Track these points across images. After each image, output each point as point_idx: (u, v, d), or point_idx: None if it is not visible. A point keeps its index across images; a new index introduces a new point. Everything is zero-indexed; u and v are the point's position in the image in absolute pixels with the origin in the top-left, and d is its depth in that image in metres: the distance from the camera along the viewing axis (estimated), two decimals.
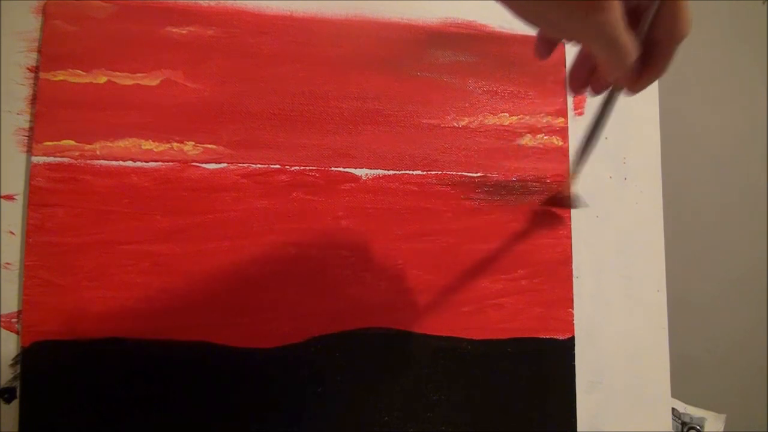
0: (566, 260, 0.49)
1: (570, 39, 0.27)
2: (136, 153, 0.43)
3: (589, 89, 0.33)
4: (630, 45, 0.26)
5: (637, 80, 0.29)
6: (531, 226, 0.48)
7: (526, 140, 0.49)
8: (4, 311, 0.40)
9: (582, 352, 0.48)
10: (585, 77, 0.33)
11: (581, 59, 0.33)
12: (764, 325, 0.55)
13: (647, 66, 0.28)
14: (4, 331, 0.40)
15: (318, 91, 0.46)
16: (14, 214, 0.41)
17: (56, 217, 0.41)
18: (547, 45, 0.31)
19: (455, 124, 0.48)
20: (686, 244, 0.54)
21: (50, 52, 0.42)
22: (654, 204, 0.52)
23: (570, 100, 0.51)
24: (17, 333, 0.40)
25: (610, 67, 0.27)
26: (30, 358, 0.40)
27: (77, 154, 0.42)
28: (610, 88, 0.33)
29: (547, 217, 0.48)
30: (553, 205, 0.48)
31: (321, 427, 0.43)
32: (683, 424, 0.52)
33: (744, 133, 0.57)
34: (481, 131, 0.48)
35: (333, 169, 0.46)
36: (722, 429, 0.52)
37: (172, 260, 0.42)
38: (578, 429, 0.47)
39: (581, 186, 0.50)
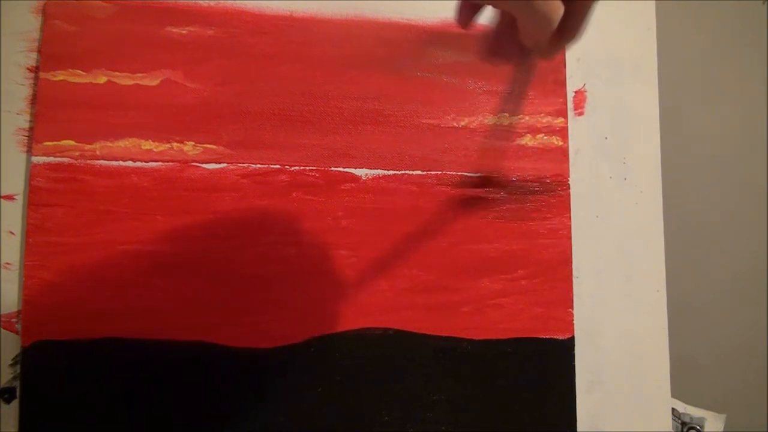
0: (566, 260, 0.49)
1: (493, 3, 0.26)
2: (136, 153, 0.43)
3: (503, 57, 0.33)
4: (555, 6, 0.25)
5: (552, 44, 0.29)
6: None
7: (526, 140, 0.49)
8: (4, 311, 0.40)
9: (582, 352, 0.48)
10: (499, 45, 0.32)
11: (497, 27, 0.32)
12: (764, 325, 0.55)
13: (563, 30, 0.28)
14: (4, 331, 0.40)
15: (318, 91, 0.46)
16: (14, 214, 0.41)
17: (56, 217, 0.41)
18: (469, 10, 0.30)
19: (455, 124, 0.48)
20: (686, 244, 0.54)
21: (50, 52, 0.42)
22: (654, 204, 0.52)
23: (570, 100, 0.51)
24: (17, 333, 0.40)
25: (532, 29, 0.27)
26: (30, 358, 0.40)
27: (77, 154, 0.42)
28: (526, 55, 0.32)
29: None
30: (487, 186, 0.47)
31: (321, 427, 0.43)
32: (683, 424, 0.52)
33: (744, 133, 0.57)
34: (481, 131, 0.48)
35: (333, 169, 0.46)
36: (722, 429, 0.52)
37: (172, 260, 0.42)
38: (578, 429, 0.47)
39: (581, 184, 0.50)
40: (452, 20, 0.31)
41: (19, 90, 0.42)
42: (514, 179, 0.49)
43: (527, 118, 0.49)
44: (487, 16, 0.31)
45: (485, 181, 0.48)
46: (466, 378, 0.46)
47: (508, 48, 0.32)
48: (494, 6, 0.27)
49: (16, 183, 0.41)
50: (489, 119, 0.48)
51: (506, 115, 0.49)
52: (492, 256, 0.47)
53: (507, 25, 0.31)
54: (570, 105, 0.51)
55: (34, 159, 0.41)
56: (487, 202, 0.48)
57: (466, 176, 0.48)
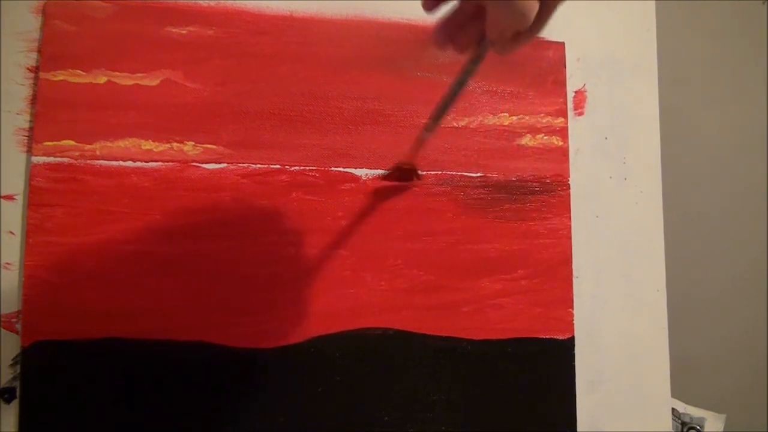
0: (566, 260, 0.49)
1: None
2: (136, 153, 0.43)
3: (455, 45, 0.32)
4: (532, 6, 0.25)
5: (513, 40, 0.29)
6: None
7: (526, 140, 0.49)
8: (4, 311, 0.40)
9: (582, 352, 0.48)
10: (453, 32, 0.32)
11: (455, 14, 0.31)
12: (764, 325, 0.55)
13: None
14: (4, 331, 0.40)
15: (318, 91, 0.46)
16: (14, 214, 0.41)
17: (56, 217, 0.41)
18: None
19: (455, 124, 0.48)
20: (686, 244, 0.54)
21: (50, 52, 0.42)
22: (654, 204, 0.52)
23: (570, 100, 0.51)
24: (17, 333, 0.40)
25: (503, 24, 0.26)
26: (30, 358, 0.40)
27: (77, 154, 0.42)
28: (479, 46, 0.32)
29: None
30: (394, 179, 0.46)
31: (321, 427, 0.43)
32: (683, 424, 0.52)
33: (744, 133, 0.57)
34: (481, 131, 0.48)
35: (333, 169, 0.46)
36: (722, 429, 0.52)
37: (172, 260, 0.42)
38: (578, 429, 0.47)
39: (581, 184, 0.50)
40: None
41: (19, 90, 0.42)
42: (514, 179, 0.49)
43: (527, 117, 0.49)
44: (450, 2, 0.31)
45: (486, 182, 0.48)
46: (466, 378, 0.46)
47: (462, 37, 0.32)
48: None
49: (16, 183, 0.41)
50: (489, 119, 0.48)
51: (506, 114, 0.49)
52: (492, 256, 0.47)
53: (468, 14, 0.31)
54: (570, 105, 0.51)
55: (34, 159, 0.41)
56: (487, 202, 0.48)
57: (466, 176, 0.48)
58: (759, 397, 0.55)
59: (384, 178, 0.46)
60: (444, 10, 0.31)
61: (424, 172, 0.47)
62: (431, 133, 0.40)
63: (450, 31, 0.32)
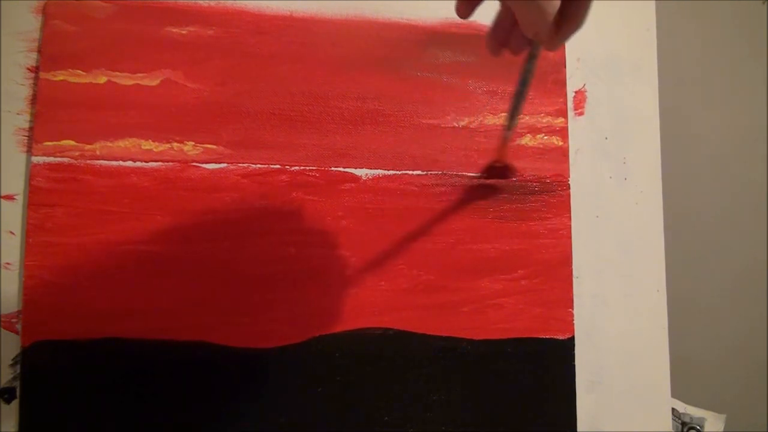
0: (566, 260, 0.49)
1: None
2: (136, 153, 0.43)
3: (509, 49, 0.33)
4: (550, 1, 0.26)
5: (554, 35, 0.29)
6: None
7: (526, 140, 0.49)
8: (4, 311, 0.40)
9: (582, 352, 0.48)
10: (504, 37, 0.33)
11: (500, 18, 0.32)
12: (764, 325, 0.55)
13: (564, 20, 0.28)
14: (4, 331, 0.40)
15: (318, 91, 0.46)
16: (14, 214, 0.41)
17: (56, 217, 0.41)
18: (469, 3, 0.31)
19: (455, 124, 0.48)
20: (686, 244, 0.54)
21: (50, 52, 0.42)
22: (654, 204, 0.52)
23: (570, 100, 0.51)
24: (17, 333, 0.40)
25: (531, 21, 0.27)
26: (30, 358, 0.40)
27: (77, 154, 0.42)
28: (530, 46, 0.33)
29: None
30: (490, 177, 0.48)
31: (321, 427, 0.43)
32: (683, 424, 0.52)
33: (744, 133, 0.57)
34: (481, 131, 0.48)
35: (333, 169, 0.46)
36: (722, 429, 0.52)
37: (172, 260, 0.42)
38: (578, 429, 0.47)
39: (581, 184, 0.50)
40: (452, 20, 0.31)
41: (19, 90, 0.42)
42: (514, 179, 0.49)
43: (527, 118, 0.49)
44: (487, 11, 0.31)
45: (500, 176, 0.48)
46: (466, 378, 0.46)
47: (513, 40, 0.32)
48: None
49: (16, 183, 0.41)
50: (490, 119, 0.48)
51: (506, 114, 0.49)
52: (492, 256, 0.47)
53: (509, 17, 0.31)
54: (570, 105, 0.51)
55: (34, 159, 0.41)
56: (487, 202, 0.48)
57: (466, 176, 0.48)
58: (759, 397, 0.55)
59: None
60: (477, 14, 0.31)
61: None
62: (512, 131, 0.43)
63: (501, 37, 0.33)
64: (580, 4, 0.28)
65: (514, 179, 0.48)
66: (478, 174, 0.48)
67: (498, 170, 0.48)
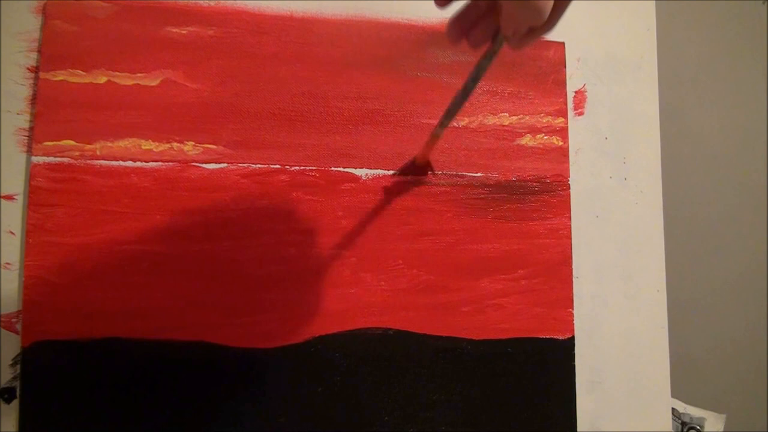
0: (566, 260, 0.49)
1: None
2: (136, 153, 0.43)
3: (469, 41, 0.32)
4: (548, 1, 0.26)
5: (525, 36, 0.29)
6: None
7: (526, 140, 0.49)
8: (4, 311, 0.40)
9: (582, 352, 0.48)
10: (467, 27, 0.32)
11: (468, 8, 0.32)
12: (764, 325, 0.55)
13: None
14: (4, 331, 0.40)
15: (318, 91, 0.46)
16: (14, 214, 0.41)
17: (56, 217, 0.41)
18: None
19: (455, 124, 0.48)
20: (686, 244, 0.54)
21: (50, 52, 0.42)
22: (654, 204, 0.52)
23: (570, 100, 0.51)
24: (17, 333, 0.40)
25: (517, 21, 0.27)
26: (30, 358, 0.40)
27: (77, 154, 0.42)
28: (493, 42, 0.32)
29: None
30: (408, 174, 0.47)
31: (321, 427, 0.43)
32: (683, 424, 0.52)
33: (744, 133, 0.57)
34: (481, 131, 0.48)
35: (333, 169, 0.46)
36: (722, 429, 0.52)
37: (172, 260, 0.42)
38: (578, 429, 0.47)
39: (581, 184, 0.50)
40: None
41: (19, 90, 0.42)
42: (514, 179, 0.49)
43: (527, 117, 0.49)
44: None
45: (486, 182, 0.48)
46: (466, 378, 0.46)
47: (475, 32, 0.32)
48: None
49: (16, 183, 0.41)
50: (489, 119, 0.48)
51: (506, 114, 0.49)
52: (492, 256, 0.47)
53: (482, 10, 0.31)
54: (570, 105, 0.51)
55: (34, 159, 0.41)
56: (487, 202, 0.48)
57: (466, 176, 0.48)
58: (759, 397, 0.55)
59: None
60: (457, 6, 0.31)
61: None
62: (444, 129, 0.40)
63: (464, 27, 0.32)
64: (558, 9, 0.28)
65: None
66: (396, 171, 0.46)
67: (418, 168, 0.46)
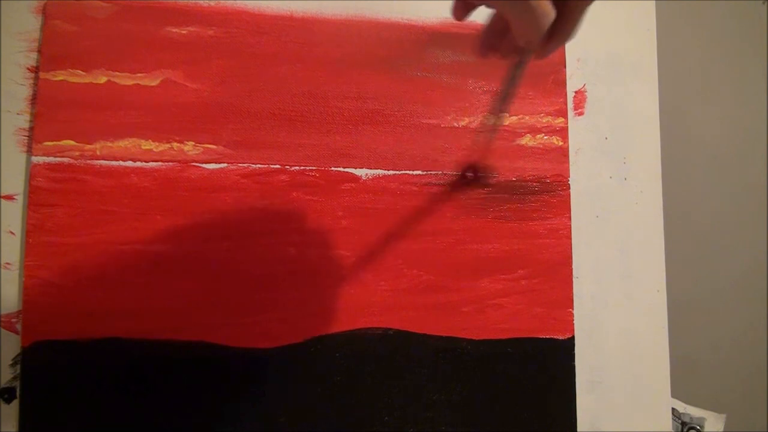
0: (566, 260, 0.49)
1: (486, 2, 0.27)
2: (136, 153, 0.43)
3: (498, 53, 0.33)
4: (546, 8, 0.26)
5: (546, 44, 0.29)
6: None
7: (526, 140, 0.49)
8: (4, 311, 0.40)
9: (582, 352, 0.48)
10: (495, 41, 0.33)
11: (493, 23, 0.33)
12: (764, 325, 0.55)
13: (556, 29, 0.28)
14: (4, 331, 0.40)
15: (318, 91, 0.46)
16: (14, 214, 0.41)
17: (56, 217, 0.41)
18: (464, 7, 0.31)
19: (455, 124, 0.48)
20: (686, 244, 0.54)
21: (50, 52, 0.42)
22: (654, 204, 0.52)
23: (570, 100, 0.51)
24: (17, 333, 0.40)
25: (524, 30, 0.27)
26: (30, 358, 0.40)
27: (77, 154, 0.42)
28: (520, 52, 0.33)
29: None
30: (463, 186, 0.48)
31: (321, 427, 0.43)
32: (683, 424, 0.52)
33: (744, 133, 0.57)
34: (481, 131, 0.48)
35: (333, 169, 0.46)
36: (722, 429, 0.52)
37: (172, 260, 0.42)
38: (578, 429, 0.47)
39: (581, 184, 0.50)
40: (452, 20, 0.31)
41: (19, 90, 0.42)
42: (514, 179, 0.49)
43: (527, 118, 0.49)
44: (483, 13, 0.31)
45: (474, 176, 0.48)
46: (466, 378, 0.46)
47: (503, 44, 0.33)
48: (487, 6, 0.28)
49: (16, 183, 0.41)
50: (490, 119, 0.48)
51: (497, 115, 0.49)
52: (492, 256, 0.47)
53: (502, 22, 0.31)
54: (570, 105, 0.51)
55: (34, 159, 0.41)
56: (487, 201, 0.48)
57: (466, 176, 0.48)
58: (759, 397, 0.55)
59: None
60: (472, 16, 0.31)
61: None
62: (494, 134, 0.43)
63: (491, 41, 0.33)
64: (573, 16, 0.28)
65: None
66: (459, 172, 0.47)
67: (479, 170, 0.47)
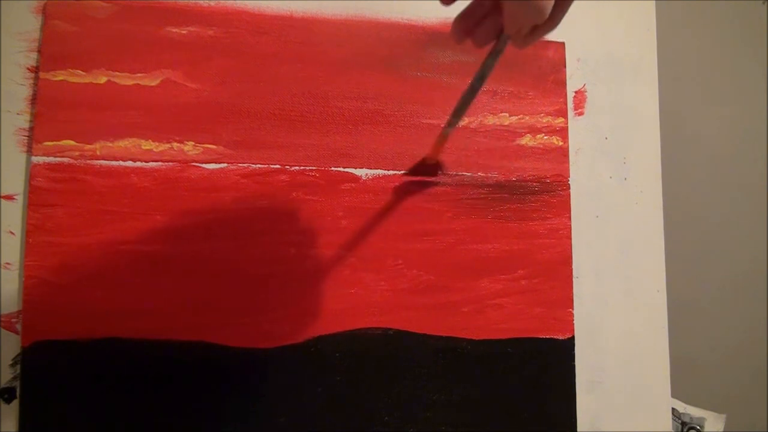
0: (566, 260, 0.49)
1: None
2: (136, 153, 0.43)
3: (474, 39, 0.33)
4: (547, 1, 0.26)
5: (530, 34, 0.29)
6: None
7: (526, 140, 0.49)
8: (4, 311, 0.40)
9: (582, 352, 0.48)
10: (471, 26, 0.32)
11: (472, 7, 0.32)
12: (764, 325, 0.55)
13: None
14: (4, 331, 0.40)
15: (318, 91, 0.46)
16: (14, 214, 0.41)
17: (56, 217, 0.41)
18: None
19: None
20: (686, 244, 0.54)
21: (50, 52, 0.42)
22: (654, 204, 0.52)
23: (570, 100, 0.51)
24: (17, 333, 0.40)
25: (519, 19, 0.27)
26: (30, 358, 0.40)
27: (77, 154, 0.42)
28: (497, 40, 0.32)
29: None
30: (418, 174, 0.47)
31: (321, 427, 0.43)
32: (683, 424, 0.52)
33: (744, 133, 0.57)
34: (481, 131, 0.48)
35: (333, 169, 0.46)
36: (722, 429, 0.52)
37: (172, 260, 0.42)
38: (578, 429, 0.47)
39: (581, 184, 0.50)
40: (452, 20, 0.31)
41: (19, 90, 0.42)
42: (514, 179, 0.49)
43: (527, 117, 0.49)
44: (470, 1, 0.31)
45: (486, 182, 0.48)
46: (466, 378, 0.46)
47: (480, 31, 0.32)
48: None
49: (16, 183, 0.41)
50: (489, 119, 0.48)
51: (506, 114, 0.49)
52: (492, 256, 0.47)
53: (486, 9, 0.31)
54: (570, 105, 0.51)
55: (34, 159, 0.41)
56: (487, 201, 0.48)
57: (466, 176, 0.48)
58: (759, 397, 0.55)
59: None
60: (461, 6, 0.31)
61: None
62: (453, 129, 0.40)
63: (468, 26, 0.32)
64: (560, 8, 0.28)
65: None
66: (406, 171, 0.46)
67: (428, 167, 0.46)
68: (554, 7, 0.28)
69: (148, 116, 0.43)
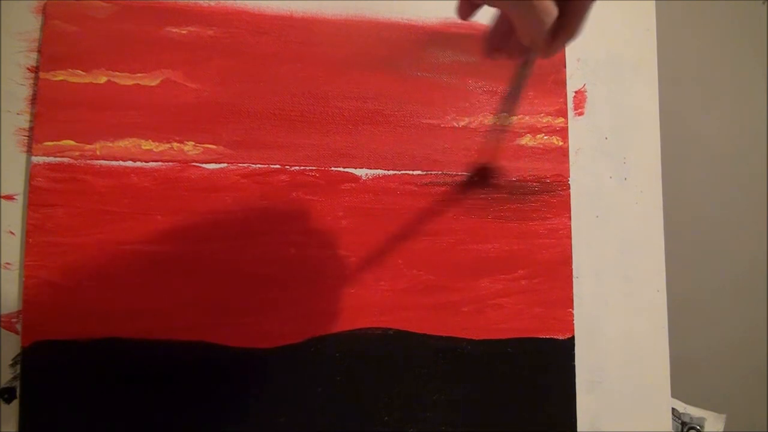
0: (566, 260, 0.49)
1: (489, 3, 0.28)
2: (136, 153, 0.43)
3: (504, 54, 0.34)
4: (548, 7, 0.26)
5: (550, 43, 0.30)
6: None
7: (526, 140, 0.49)
8: (4, 311, 0.40)
9: (582, 352, 0.48)
10: (500, 42, 0.33)
11: (498, 23, 0.33)
12: (764, 325, 0.55)
13: (560, 28, 0.29)
14: (4, 331, 0.40)
15: (318, 91, 0.46)
16: (14, 214, 0.41)
17: (56, 217, 0.41)
18: (469, 7, 0.31)
19: (455, 124, 0.48)
20: (686, 244, 0.54)
21: (50, 52, 0.42)
22: (654, 204, 0.52)
23: (570, 100, 0.51)
24: (17, 333, 0.40)
25: (528, 29, 0.27)
26: (30, 358, 0.40)
27: (77, 154, 0.42)
28: (526, 52, 0.33)
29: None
30: (471, 188, 0.48)
31: (321, 427, 0.43)
32: (683, 424, 0.52)
33: (744, 133, 0.57)
34: (481, 131, 0.48)
35: (333, 169, 0.46)
36: (722, 429, 0.52)
37: (172, 260, 0.42)
38: (578, 429, 0.47)
39: (581, 184, 0.50)
40: (452, 20, 0.32)
41: (19, 90, 0.42)
42: (514, 179, 0.49)
43: (527, 118, 0.49)
44: (487, 13, 0.31)
45: (483, 177, 0.48)
46: (466, 378, 0.46)
47: (509, 45, 0.33)
48: (490, 5, 0.28)
49: (16, 183, 0.41)
50: (489, 119, 0.48)
51: (506, 114, 0.49)
52: (492, 256, 0.47)
53: (507, 22, 0.32)
54: (570, 105, 0.51)
55: (34, 159, 0.41)
56: (487, 201, 0.48)
57: (466, 176, 0.48)
58: (759, 397, 0.55)
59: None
60: (477, 16, 0.32)
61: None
62: (502, 136, 0.43)
63: (497, 42, 0.33)
64: (576, 15, 0.28)
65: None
66: (470, 173, 0.47)
67: (488, 171, 0.47)
68: (569, 13, 0.28)
69: (148, 116, 0.43)
